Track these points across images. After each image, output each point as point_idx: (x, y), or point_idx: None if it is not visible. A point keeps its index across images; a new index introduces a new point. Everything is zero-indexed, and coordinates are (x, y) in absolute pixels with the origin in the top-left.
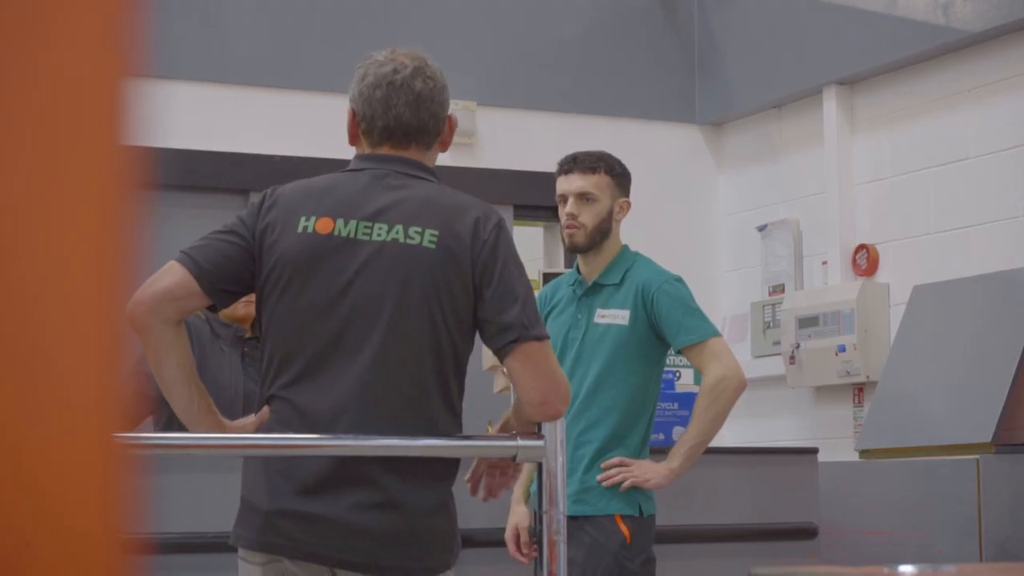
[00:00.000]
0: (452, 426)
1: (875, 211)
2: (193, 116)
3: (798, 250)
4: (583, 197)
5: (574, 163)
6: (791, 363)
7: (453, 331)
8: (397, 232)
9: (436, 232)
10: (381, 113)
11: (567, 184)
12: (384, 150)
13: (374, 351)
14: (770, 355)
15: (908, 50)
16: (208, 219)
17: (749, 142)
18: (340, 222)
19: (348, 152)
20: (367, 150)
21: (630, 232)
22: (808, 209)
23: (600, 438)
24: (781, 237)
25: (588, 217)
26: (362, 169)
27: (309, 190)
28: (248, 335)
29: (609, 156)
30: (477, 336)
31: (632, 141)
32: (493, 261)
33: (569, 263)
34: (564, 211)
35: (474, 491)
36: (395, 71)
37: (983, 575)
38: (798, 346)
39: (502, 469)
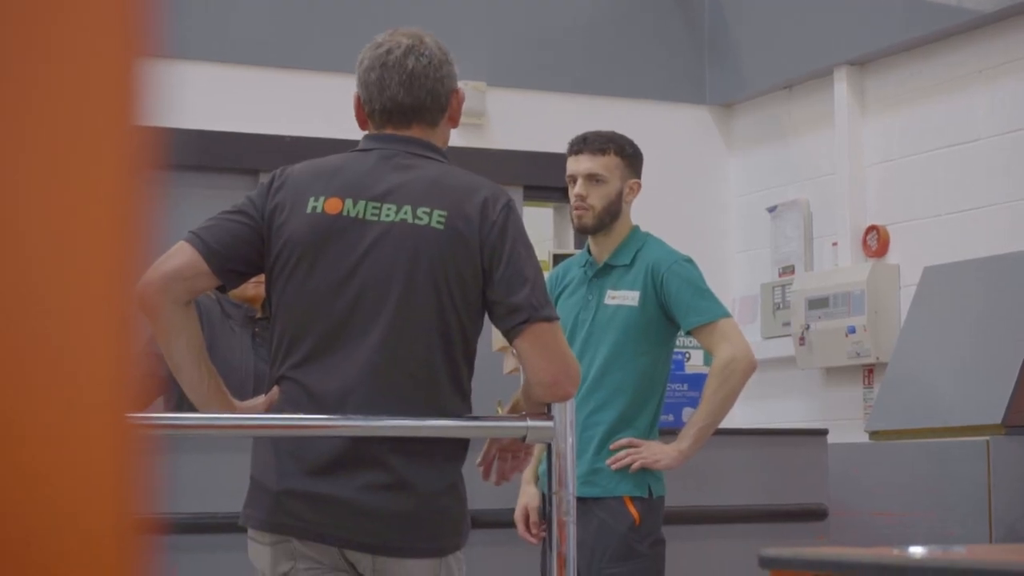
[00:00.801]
0: (461, 407)
1: (885, 192)
2: (203, 96)
3: (808, 231)
4: (592, 178)
5: (584, 144)
6: (801, 344)
7: (461, 312)
8: (406, 213)
9: (444, 213)
10: (377, 95)
11: (576, 165)
12: (388, 131)
13: (382, 332)
14: (780, 336)
15: (919, 31)
16: (218, 199)
17: (759, 123)
18: (349, 202)
19: (358, 132)
20: (374, 131)
21: (639, 213)
22: (818, 190)
23: (609, 420)
24: (791, 218)
25: (597, 199)
26: (371, 149)
27: (318, 170)
28: (259, 315)
29: (620, 137)
30: (486, 317)
31: (642, 122)
32: (502, 242)
33: (579, 244)
34: (573, 192)
35: (486, 475)
36: (388, 52)
37: (993, 556)
38: (808, 327)
39: (514, 452)
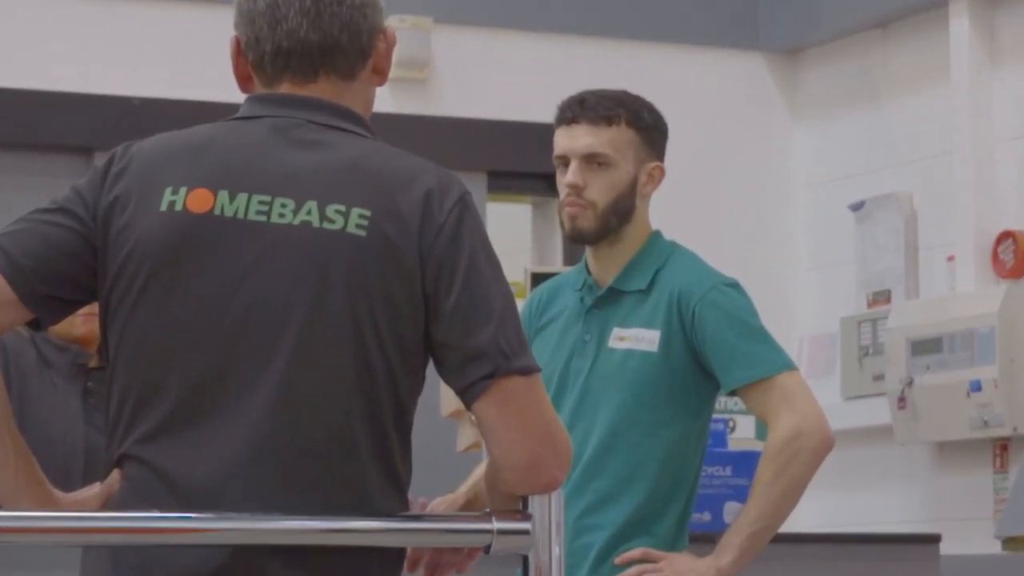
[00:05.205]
0: (393, 500)
1: None
2: (13, 42)
3: (911, 239)
4: (592, 160)
5: (581, 109)
6: (901, 408)
7: (392, 359)
8: (309, 212)
9: (367, 212)
10: (268, 31)
11: (570, 141)
12: (284, 88)
13: (275, 388)
14: (870, 395)
15: None
16: (35, 190)
17: (839, 78)
18: (223, 195)
19: (240, 94)
20: (262, 90)
21: (662, 212)
22: (926, 178)
23: (615, 521)
24: (886, 220)
25: (599, 190)
26: (256, 117)
27: (179, 148)
28: (92, 363)
29: (634, 99)
30: (430, 367)
31: (664, 77)
32: (454, 256)
33: (571, 259)
34: (564, 181)
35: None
36: None
37: None
38: (911, 382)
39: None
